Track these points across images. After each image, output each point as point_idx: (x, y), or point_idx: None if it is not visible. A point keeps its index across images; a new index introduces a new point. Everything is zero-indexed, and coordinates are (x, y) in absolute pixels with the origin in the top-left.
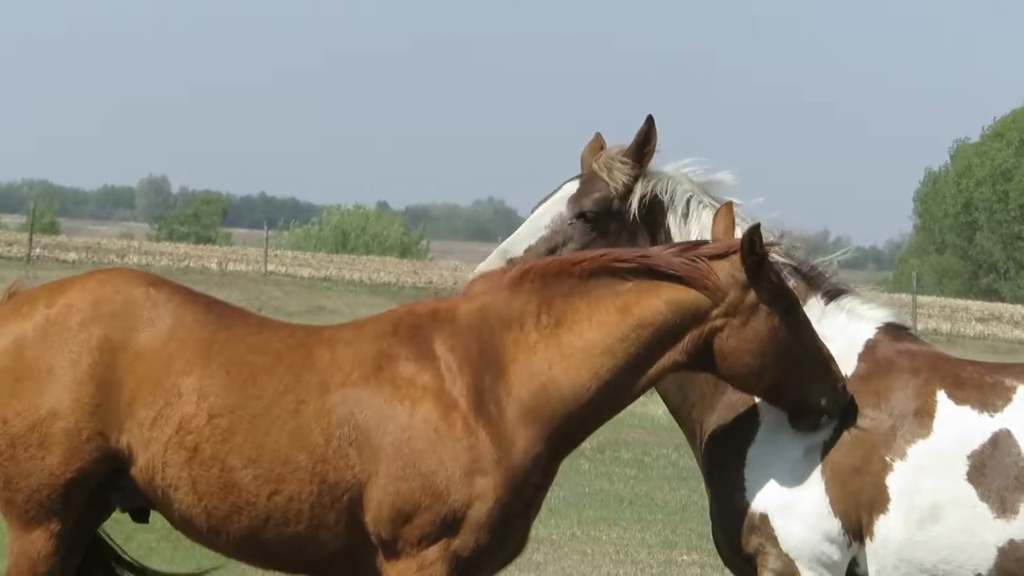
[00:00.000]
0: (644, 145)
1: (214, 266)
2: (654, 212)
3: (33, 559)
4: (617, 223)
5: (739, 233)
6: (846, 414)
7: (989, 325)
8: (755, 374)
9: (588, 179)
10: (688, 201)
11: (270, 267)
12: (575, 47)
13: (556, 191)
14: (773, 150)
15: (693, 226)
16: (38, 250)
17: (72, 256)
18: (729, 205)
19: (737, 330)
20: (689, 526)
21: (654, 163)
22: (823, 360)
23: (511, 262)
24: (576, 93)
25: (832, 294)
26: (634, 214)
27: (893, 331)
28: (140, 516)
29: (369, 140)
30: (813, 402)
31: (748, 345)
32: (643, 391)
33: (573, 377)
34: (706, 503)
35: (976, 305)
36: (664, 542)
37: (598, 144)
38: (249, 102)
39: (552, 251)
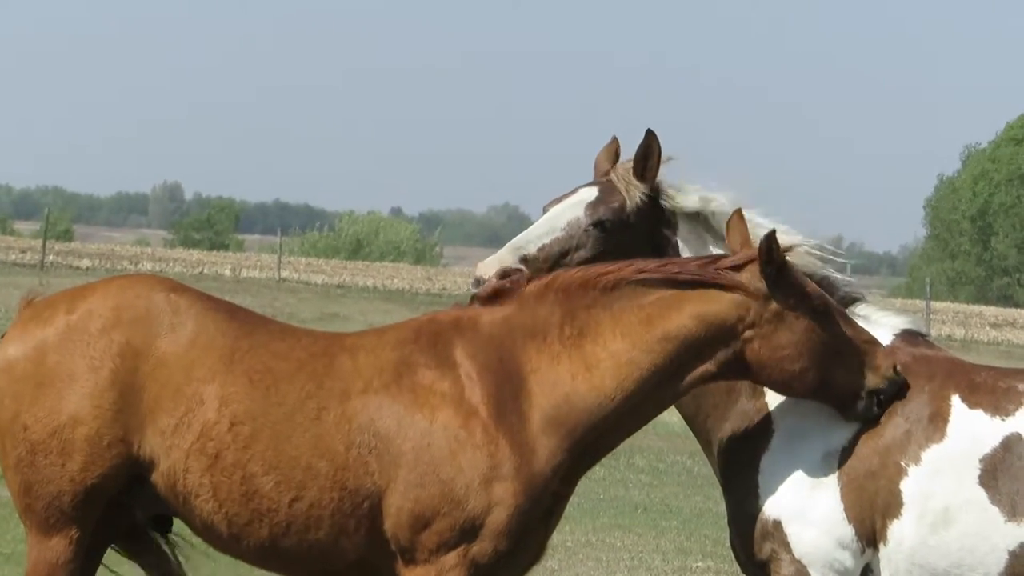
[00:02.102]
0: (646, 160)
1: (228, 272)
2: (664, 228)
3: (52, 565)
4: (629, 236)
5: (756, 240)
6: (897, 397)
7: (1003, 331)
8: (797, 377)
9: (607, 188)
10: (698, 217)
11: (284, 273)
12: (589, 53)
13: (571, 194)
14: (785, 156)
15: (705, 243)
16: (52, 257)
17: (86, 263)
18: (739, 213)
19: (767, 339)
20: (704, 533)
21: (668, 175)
22: (866, 346)
23: (524, 259)
24: (589, 99)
25: (847, 301)
26: (646, 230)
27: (909, 337)
28: (160, 526)
29: (383, 146)
30: (863, 389)
31: (783, 352)
32: (671, 403)
33: (597, 388)
34: (721, 509)
35: (990, 310)
36: (679, 549)
37: (613, 148)
38: (263, 109)
39: (564, 254)
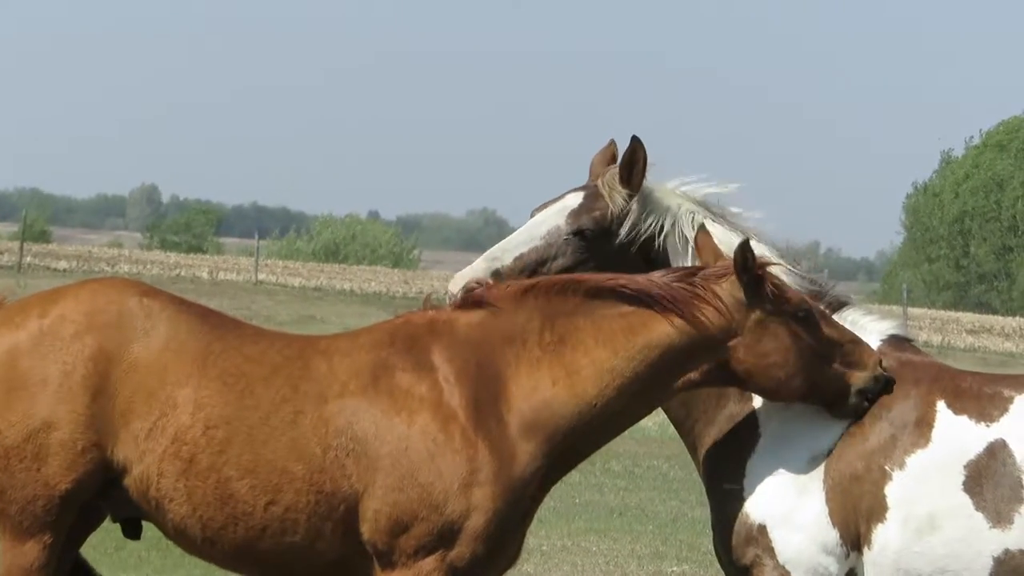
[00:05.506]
0: (632, 166)
1: (205, 275)
2: (649, 236)
3: (26, 570)
4: (612, 245)
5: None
6: (885, 392)
7: (980, 337)
8: (785, 383)
9: (591, 196)
10: (681, 226)
11: (261, 276)
12: (569, 55)
13: (558, 199)
14: (763, 161)
15: (688, 251)
16: (29, 258)
17: (63, 264)
18: (703, 229)
19: (751, 348)
20: (679, 537)
21: (653, 178)
22: (850, 346)
23: (496, 273)
24: (568, 102)
25: (834, 307)
26: (628, 238)
27: (896, 343)
28: (131, 531)
29: (361, 149)
30: (851, 389)
31: (769, 359)
32: (651, 411)
33: (579, 394)
34: (696, 514)
35: (967, 317)
36: (654, 553)
37: (610, 152)
38: (240, 111)
39: (542, 263)
